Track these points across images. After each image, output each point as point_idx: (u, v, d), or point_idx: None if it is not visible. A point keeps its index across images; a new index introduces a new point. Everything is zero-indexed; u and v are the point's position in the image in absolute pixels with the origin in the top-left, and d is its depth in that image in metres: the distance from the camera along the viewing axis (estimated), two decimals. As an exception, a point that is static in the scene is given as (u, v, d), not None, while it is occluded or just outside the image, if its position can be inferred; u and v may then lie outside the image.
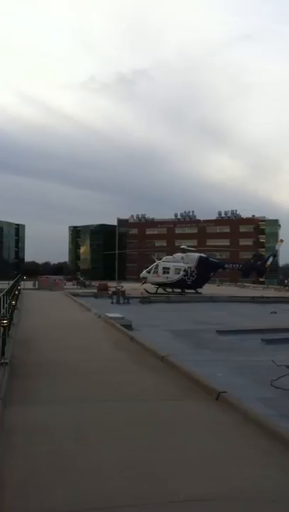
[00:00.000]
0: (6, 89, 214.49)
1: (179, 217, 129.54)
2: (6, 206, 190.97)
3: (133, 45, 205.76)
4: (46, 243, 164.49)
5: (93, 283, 57.46)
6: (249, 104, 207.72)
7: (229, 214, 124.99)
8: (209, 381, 9.12)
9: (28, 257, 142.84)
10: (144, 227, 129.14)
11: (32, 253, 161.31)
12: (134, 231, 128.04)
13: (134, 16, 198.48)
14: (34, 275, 64.78)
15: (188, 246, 53.16)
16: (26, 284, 46.86)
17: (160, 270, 46.13)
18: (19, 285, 35.46)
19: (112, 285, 43.10)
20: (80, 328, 18.52)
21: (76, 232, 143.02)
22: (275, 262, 74.54)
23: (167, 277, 45.92)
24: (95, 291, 43.79)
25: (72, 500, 4.70)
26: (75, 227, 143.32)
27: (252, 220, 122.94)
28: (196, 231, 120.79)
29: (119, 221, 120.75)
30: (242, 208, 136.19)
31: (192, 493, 4.86)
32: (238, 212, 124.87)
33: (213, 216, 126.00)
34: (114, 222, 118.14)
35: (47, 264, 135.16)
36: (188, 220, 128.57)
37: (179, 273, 45.97)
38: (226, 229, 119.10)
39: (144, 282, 46.30)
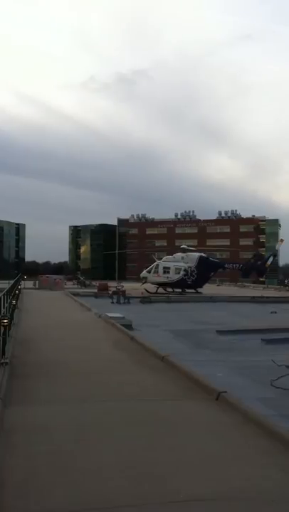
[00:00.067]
0: (5, 89, 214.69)
1: (179, 217, 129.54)
2: (5, 206, 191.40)
3: (133, 45, 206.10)
4: (46, 243, 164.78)
5: (93, 283, 57.37)
6: (249, 104, 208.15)
7: (229, 214, 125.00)
8: (209, 381, 9.12)
9: (29, 256, 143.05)
10: (144, 227, 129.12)
11: (32, 253, 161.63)
12: (135, 231, 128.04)
13: (134, 16, 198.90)
14: (34, 275, 64.61)
15: (188, 246, 53.15)
16: (27, 284, 46.82)
17: (160, 270, 46.14)
18: (19, 285, 35.46)
19: (113, 285, 43.05)
20: (81, 328, 18.52)
21: (76, 232, 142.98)
22: (275, 262, 74.49)
23: (167, 277, 45.93)
24: (96, 290, 43.70)
25: (72, 500, 4.69)
26: (75, 227, 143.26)
27: (252, 220, 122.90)
28: (196, 231, 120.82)
29: (120, 221, 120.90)
30: (242, 207, 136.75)
31: (192, 493, 4.86)
32: (238, 212, 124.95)
33: (213, 216, 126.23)
34: (115, 222, 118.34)
35: (47, 263, 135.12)
36: (188, 219, 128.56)
37: (179, 273, 45.97)
38: (226, 229, 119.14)
39: (145, 282, 46.30)
